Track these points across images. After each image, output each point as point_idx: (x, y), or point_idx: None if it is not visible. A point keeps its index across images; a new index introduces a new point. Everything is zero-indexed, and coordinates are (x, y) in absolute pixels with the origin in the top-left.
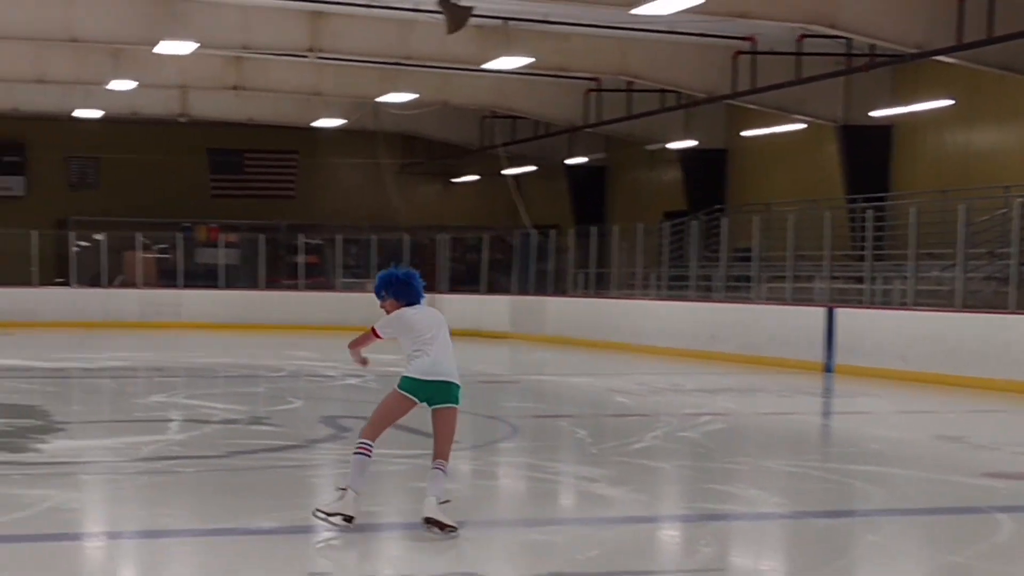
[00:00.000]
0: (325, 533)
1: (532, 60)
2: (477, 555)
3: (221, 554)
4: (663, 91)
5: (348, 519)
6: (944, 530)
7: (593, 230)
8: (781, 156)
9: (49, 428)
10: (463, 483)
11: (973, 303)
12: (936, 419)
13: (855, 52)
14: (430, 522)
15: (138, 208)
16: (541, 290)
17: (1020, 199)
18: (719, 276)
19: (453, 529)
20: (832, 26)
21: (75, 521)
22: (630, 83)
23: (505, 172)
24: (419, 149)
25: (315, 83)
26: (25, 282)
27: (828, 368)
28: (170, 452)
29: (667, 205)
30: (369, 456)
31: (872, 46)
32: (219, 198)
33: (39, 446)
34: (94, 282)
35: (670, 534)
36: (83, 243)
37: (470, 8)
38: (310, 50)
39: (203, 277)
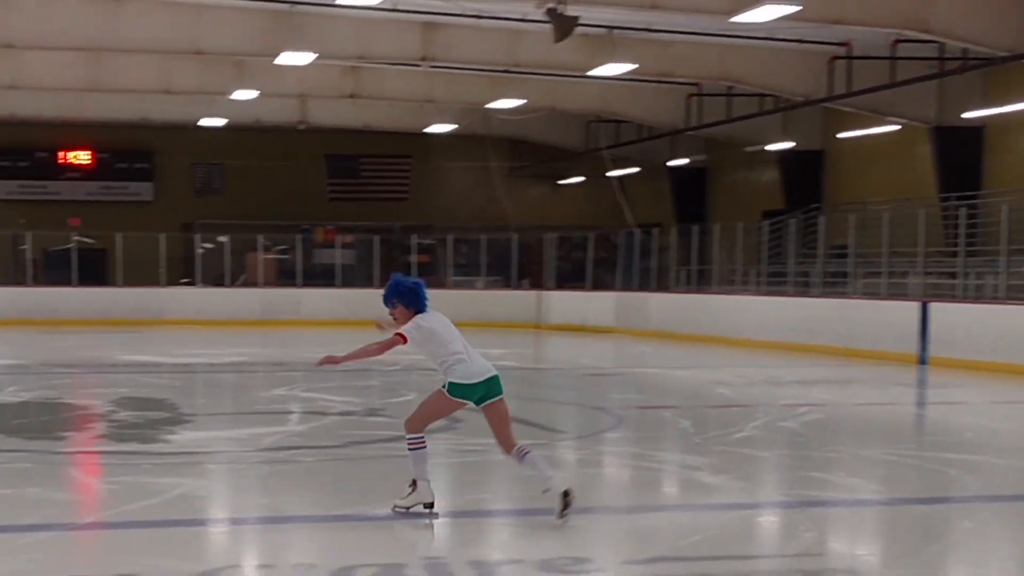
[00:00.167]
0: (437, 519)
1: (636, 66)
2: (583, 541)
3: (338, 539)
4: (762, 95)
5: (428, 506)
6: None
7: (694, 229)
8: (876, 156)
9: (177, 420)
10: (570, 471)
11: None
12: None
13: (948, 56)
14: (567, 497)
15: (259, 211)
16: (644, 286)
17: None
18: (816, 272)
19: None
20: (926, 30)
21: (202, 507)
22: (730, 87)
23: (610, 174)
24: (527, 153)
25: (428, 91)
26: (153, 282)
27: (922, 360)
28: (290, 442)
29: (766, 204)
30: (425, 447)
31: (964, 49)
32: (336, 201)
33: (168, 437)
34: (218, 282)
35: (770, 520)
36: (208, 245)
37: (576, 18)
38: (423, 59)
39: (321, 276)
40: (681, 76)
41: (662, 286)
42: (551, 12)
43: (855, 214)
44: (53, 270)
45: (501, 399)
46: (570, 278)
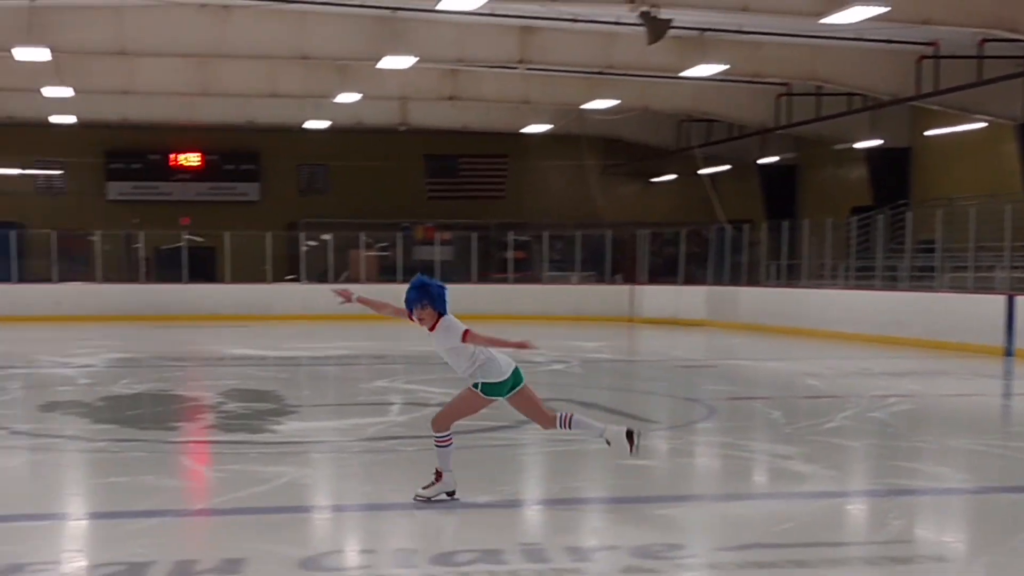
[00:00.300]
0: (534, 507)
1: (727, 67)
2: (677, 528)
3: (437, 526)
4: (850, 94)
5: (450, 494)
6: None
7: (784, 224)
8: (962, 153)
9: (283, 411)
10: (663, 461)
11: None
12: None
13: None
14: (631, 436)
15: (361, 210)
16: (735, 280)
17: None
18: (904, 267)
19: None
20: (1013, 30)
21: (307, 495)
22: (819, 87)
23: (701, 172)
24: (620, 151)
25: (524, 92)
26: (260, 279)
27: (1008, 352)
28: (392, 432)
29: (854, 201)
30: (451, 444)
31: None
32: (435, 200)
33: (274, 427)
34: (321, 278)
35: (859, 508)
36: (312, 243)
37: (669, 20)
38: (520, 62)
39: (420, 272)
40: (771, 76)
41: (752, 280)
42: (645, 15)
43: (942, 209)
44: (164, 268)
45: (525, 385)
46: (662, 273)
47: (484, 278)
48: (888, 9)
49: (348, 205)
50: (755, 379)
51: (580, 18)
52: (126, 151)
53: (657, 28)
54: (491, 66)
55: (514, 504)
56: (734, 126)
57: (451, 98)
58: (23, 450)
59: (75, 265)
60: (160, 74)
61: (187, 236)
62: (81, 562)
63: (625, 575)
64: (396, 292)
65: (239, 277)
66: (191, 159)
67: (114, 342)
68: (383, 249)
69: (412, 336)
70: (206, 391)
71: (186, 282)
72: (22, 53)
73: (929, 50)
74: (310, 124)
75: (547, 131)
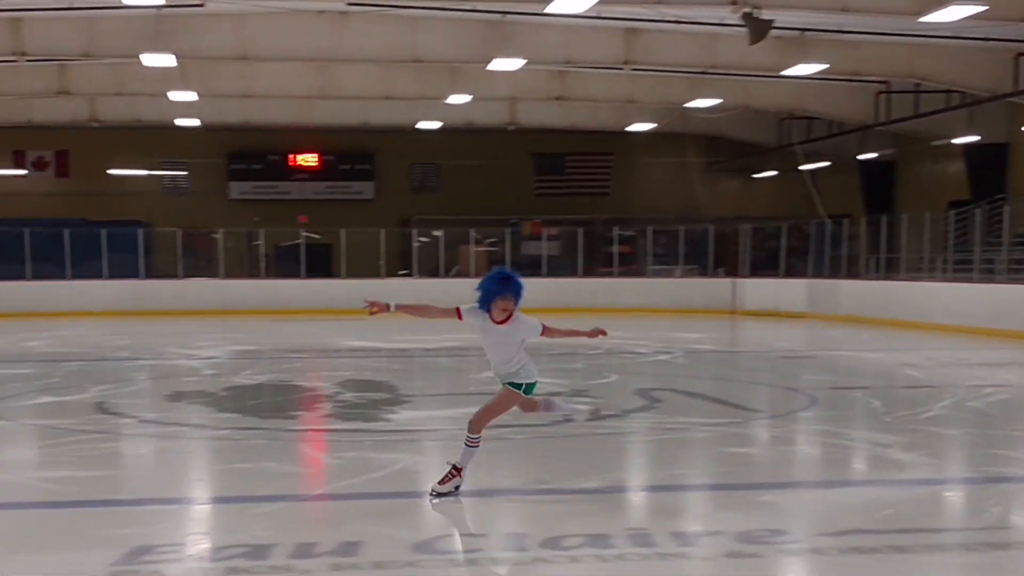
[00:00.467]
0: (639, 493)
1: (827, 66)
2: (780, 514)
3: (547, 511)
4: (948, 91)
5: (457, 487)
6: None
7: (883, 219)
8: None
9: (396, 400)
10: (765, 449)
11: None
12: None
13: None
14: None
15: (471, 207)
16: (835, 274)
17: None
18: (1001, 260)
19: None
20: None
21: (420, 481)
22: (917, 84)
23: (801, 168)
24: (723, 148)
25: (629, 92)
26: (374, 274)
27: None
28: (500, 421)
29: (952, 195)
30: (480, 446)
31: None
32: (542, 197)
33: (388, 416)
34: (433, 273)
35: (957, 495)
36: (424, 239)
37: (771, 21)
38: (625, 63)
39: (528, 267)
40: (870, 74)
41: (852, 273)
42: (747, 16)
43: None
44: (283, 263)
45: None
46: (764, 266)
47: (590, 272)
48: (986, 8)
49: (459, 203)
50: (855, 369)
51: (683, 19)
52: (247, 152)
53: (759, 28)
54: (597, 67)
55: (620, 490)
56: (834, 123)
57: (558, 98)
58: (151, 438)
59: (199, 261)
60: (280, 78)
61: (305, 233)
62: (206, 544)
63: (729, 559)
64: None
65: (354, 272)
66: (309, 159)
67: (236, 335)
68: (492, 245)
69: None
70: (323, 381)
71: (304, 277)
72: (149, 59)
73: None
74: (423, 125)
75: (651, 129)
